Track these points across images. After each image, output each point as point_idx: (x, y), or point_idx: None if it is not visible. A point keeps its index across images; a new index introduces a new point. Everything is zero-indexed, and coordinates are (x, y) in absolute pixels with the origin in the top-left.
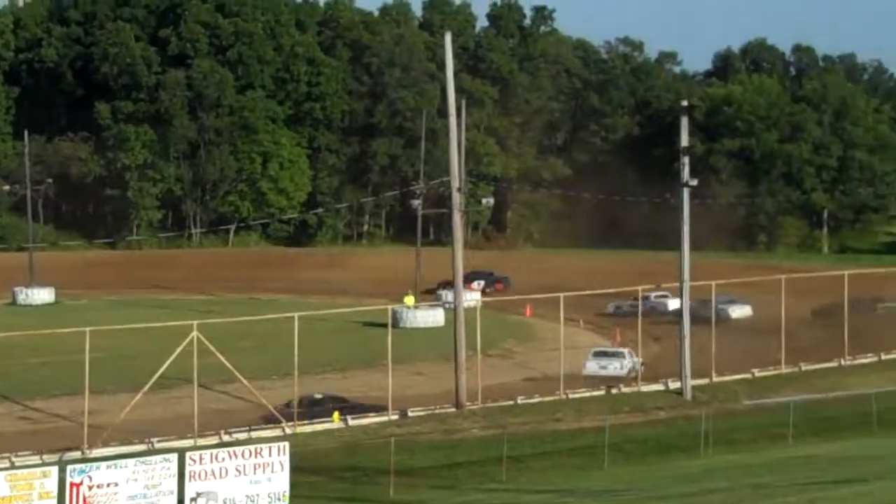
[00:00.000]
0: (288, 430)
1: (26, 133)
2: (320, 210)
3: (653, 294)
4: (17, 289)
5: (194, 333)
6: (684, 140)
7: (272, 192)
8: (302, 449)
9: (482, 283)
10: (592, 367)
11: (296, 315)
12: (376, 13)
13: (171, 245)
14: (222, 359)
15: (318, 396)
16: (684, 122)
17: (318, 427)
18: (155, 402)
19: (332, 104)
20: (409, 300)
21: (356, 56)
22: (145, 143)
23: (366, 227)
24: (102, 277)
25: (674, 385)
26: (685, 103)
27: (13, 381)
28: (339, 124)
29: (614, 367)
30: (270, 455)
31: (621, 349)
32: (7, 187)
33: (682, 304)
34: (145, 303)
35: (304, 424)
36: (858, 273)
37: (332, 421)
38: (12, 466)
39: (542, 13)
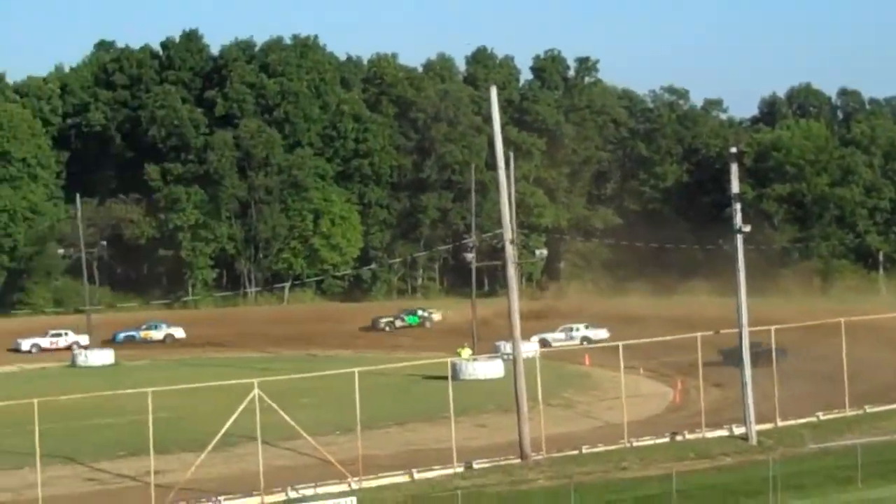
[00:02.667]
0: (354, 486)
1: (78, 196)
2: (374, 265)
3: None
4: (76, 351)
5: (255, 391)
6: (735, 186)
7: (325, 248)
8: None
9: None
10: (559, 336)
11: (356, 370)
12: (420, 69)
13: (226, 303)
14: (285, 416)
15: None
16: (734, 168)
17: (385, 481)
18: (219, 460)
19: (380, 160)
20: (465, 352)
21: (402, 112)
22: (196, 204)
23: (420, 281)
24: None
25: (738, 430)
26: (734, 149)
27: (78, 443)
28: (388, 179)
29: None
30: None
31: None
32: (62, 251)
33: (741, 349)
34: (203, 361)
35: (369, 479)
36: None
37: (398, 474)
38: None
39: (585, 64)
